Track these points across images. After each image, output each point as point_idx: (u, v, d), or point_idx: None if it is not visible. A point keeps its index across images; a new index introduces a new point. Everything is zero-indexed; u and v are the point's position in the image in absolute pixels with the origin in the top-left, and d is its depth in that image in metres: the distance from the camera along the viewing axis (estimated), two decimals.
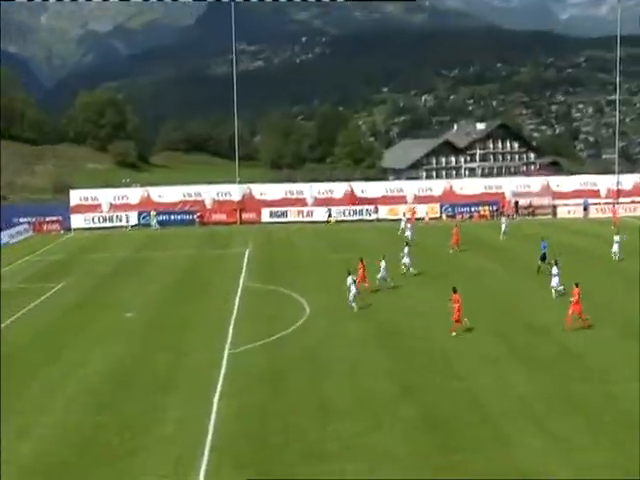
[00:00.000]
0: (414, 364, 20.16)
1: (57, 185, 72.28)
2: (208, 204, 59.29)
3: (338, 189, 59.79)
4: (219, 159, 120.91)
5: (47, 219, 57.86)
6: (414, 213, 55.79)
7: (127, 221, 56.99)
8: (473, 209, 58.45)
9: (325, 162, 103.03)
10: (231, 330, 23.67)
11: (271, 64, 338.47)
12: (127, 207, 58.25)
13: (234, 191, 59.70)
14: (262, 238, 49.61)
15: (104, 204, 58.41)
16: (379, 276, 29.42)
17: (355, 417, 16.70)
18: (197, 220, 58.31)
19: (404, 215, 51.76)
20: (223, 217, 59.01)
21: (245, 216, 58.77)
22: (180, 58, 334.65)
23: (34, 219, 57.61)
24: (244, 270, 36.54)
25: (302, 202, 59.24)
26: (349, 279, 26.52)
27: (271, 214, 58.80)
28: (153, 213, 57.44)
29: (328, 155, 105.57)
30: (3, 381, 19.73)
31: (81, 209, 57.98)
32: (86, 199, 58.43)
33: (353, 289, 26.33)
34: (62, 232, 56.74)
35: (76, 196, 58.57)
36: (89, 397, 18.43)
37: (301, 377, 19.63)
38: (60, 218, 57.89)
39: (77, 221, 57.59)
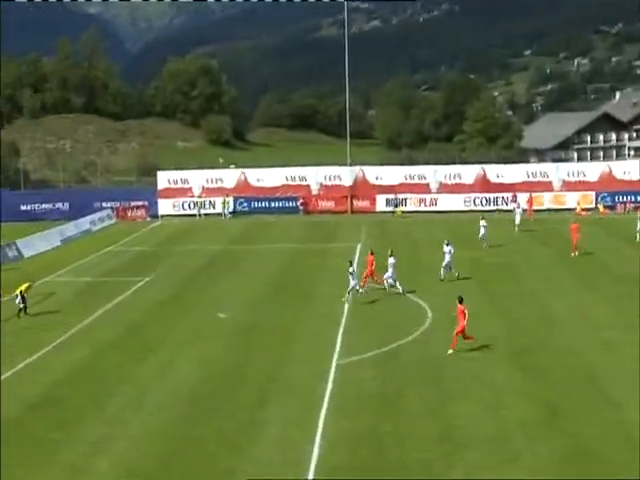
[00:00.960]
0: (555, 384, 19.73)
1: (143, 166, 75.98)
2: (314, 189, 60.13)
3: (468, 173, 58.72)
4: (327, 137, 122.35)
5: (131, 204, 60.97)
6: (532, 203, 53.35)
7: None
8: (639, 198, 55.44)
9: (452, 141, 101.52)
10: (340, 337, 23.86)
11: (389, 24, 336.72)
12: (221, 191, 60.22)
13: (344, 174, 60.11)
14: (376, 230, 49.66)
15: (195, 188, 60.71)
16: (386, 276, 30.06)
17: (486, 447, 16.34)
18: (301, 208, 59.30)
19: (516, 203, 50.64)
20: (331, 205, 59.64)
21: (357, 204, 59.10)
22: (284, 20, 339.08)
23: (117, 204, 60.89)
24: (355, 267, 36.77)
25: (424, 188, 58.70)
26: (350, 269, 28.78)
27: (387, 202, 58.72)
28: (228, 199, 59.06)
29: (456, 132, 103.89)
30: (84, 387, 21.01)
31: (169, 193, 60.63)
32: (175, 182, 61.01)
33: (352, 281, 28.35)
34: (148, 219, 59.50)
35: (164, 178, 61.31)
36: (176, 407, 19.19)
37: (421, 395, 19.54)
38: (146, 203, 60.82)
39: (165, 207, 60.27)
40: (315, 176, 60.15)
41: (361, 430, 17.54)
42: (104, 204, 61.00)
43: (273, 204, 59.73)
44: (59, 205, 61.40)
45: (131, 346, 25.03)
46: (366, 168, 60.45)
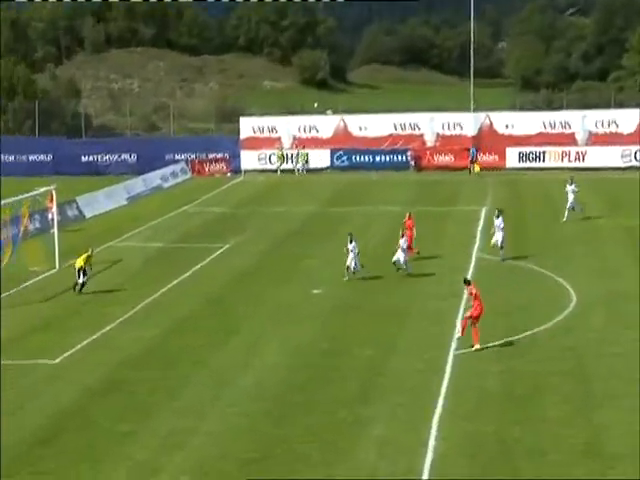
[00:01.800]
0: None
1: (222, 110, 77.27)
2: (429, 140, 59.64)
3: (627, 119, 56.85)
4: (446, 76, 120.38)
5: (209, 157, 62.30)
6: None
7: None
8: None
9: (607, 79, 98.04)
10: (459, 322, 23.64)
11: None
12: (316, 142, 60.55)
13: (467, 122, 59.29)
14: (506, 191, 48.87)
15: (285, 137, 61.29)
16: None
17: None
18: (412, 163, 58.96)
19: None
20: (450, 159, 59.02)
21: (482, 159, 58.19)
22: None
23: (193, 156, 62.33)
24: (478, 237, 36.45)
25: (569, 139, 57.16)
26: (350, 246, 29.35)
27: (521, 156, 57.60)
28: (303, 152, 59.32)
29: (612, 68, 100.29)
30: (154, 371, 21.71)
31: (254, 144, 61.44)
32: (261, 130, 61.77)
33: (351, 256, 29.27)
34: (229, 175, 60.64)
35: (248, 126, 62.14)
36: (261, 400, 19.50)
37: (560, 395, 19.24)
38: (226, 156, 61.96)
39: (248, 160, 61.16)
40: (430, 124, 59.57)
41: (484, 435, 17.37)
42: (177, 156, 62.60)
43: (378, 158, 59.67)
44: (125, 157, 63.42)
45: (209, 325, 25.60)
46: (494, 114, 59.40)
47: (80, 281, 29.17)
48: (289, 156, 60.27)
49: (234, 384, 20.65)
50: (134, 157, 62.97)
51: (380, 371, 21.20)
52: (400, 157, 59.41)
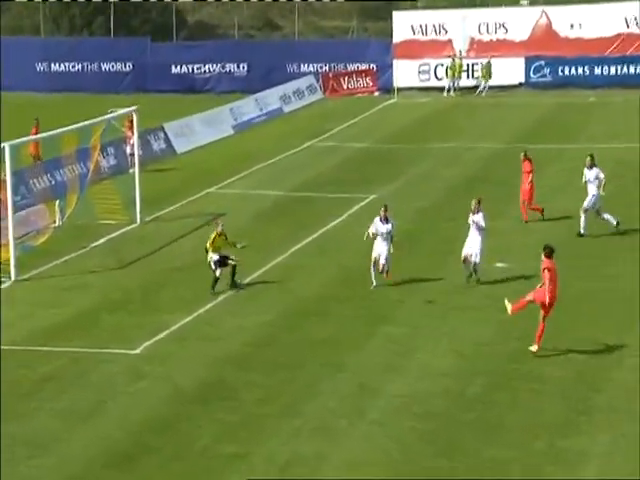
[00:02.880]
0: None
1: (367, 3, 76.61)
2: None
3: None
4: None
5: (348, 68, 62.27)
6: None
7: (450, 75, 58.43)
8: None
9: None
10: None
11: None
12: (504, 47, 59.50)
13: None
14: None
15: (458, 40, 60.68)
16: None
17: None
18: None
19: None
20: None
21: None
22: None
23: (325, 67, 62.48)
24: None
25: None
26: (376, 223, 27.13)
27: None
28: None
29: None
30: (268, 373, 22.06)
31: (413, 50, 61.20)
32: (423, 30, 61.50)
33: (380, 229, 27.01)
34: (376, 94, 60.98)
35: (404, 24, 61.87)
36: (418, 417, 19.37)
37: None
38: (372, 67, 61.97)
39: (404, 74, 60.88)
40: None
41: None
42: (303, 67, 62.96)
43: (598, 71, 58.28)
44: (231, 67, 64.31)
45: (343, 311, 25.72)
46: None
47: (217, 273, 27.25)
48: (464, 68, 59.60)
49: (379, 394, 20.64)
50: (243, 68, 63.78)
51: (597, 385, 20.86)
52: (634, 68, 57.73)
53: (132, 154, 37.90)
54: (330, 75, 61.93)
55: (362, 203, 35.67)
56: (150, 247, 31.15)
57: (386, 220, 27.14)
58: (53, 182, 37.57)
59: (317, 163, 43.21)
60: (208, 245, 27.24)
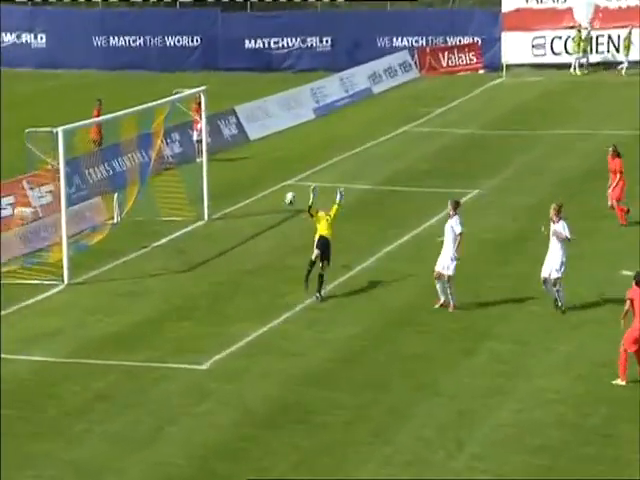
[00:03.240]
0: None
1: None
2: None
3: None
4: None
5: (449, 42, 61.97)
6: None
7: (575, 48, 58.02)
8: None
9: None
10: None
11: None
12: (636, 16, 58.53)
13: None
14: None
15: (581, 10, 59.97)
16: None
17: None
18: None
19: None
20: None
21: None
22: None
23: (422, 41, 62.25)
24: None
25: None
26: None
27: None
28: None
29: None
30: (354, 393, 21.93)
31: (525, 21, 60.55)
32: None
33: None
34: (481, 72, 60.84)
35: None
36: (532, 451, 19.20)
37: None
38: (477, 41, 61.64)
39: (515, 48, 60.63)
40: None
41: None
42: (396, 41, 62.78)
43: None
44: (313, 41, 64.28)
45: (441, 323, 25.67)
46: None
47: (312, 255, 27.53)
48: (589, 41, 59.12)
49: (482, 423, 20.47)
50: (327, 42, 63.77)
51: None
52: None
53: (199, 141, 37.97)
54: (427, 50, 61.71)
55: (464, 199, 35.36)
56: (219, 247, 31.26)
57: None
58: (111, 172, 37.89)
59: (411, 152, 43.15)
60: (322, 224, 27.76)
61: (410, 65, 60.87)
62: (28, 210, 32.53)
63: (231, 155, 42.80)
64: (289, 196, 28.45)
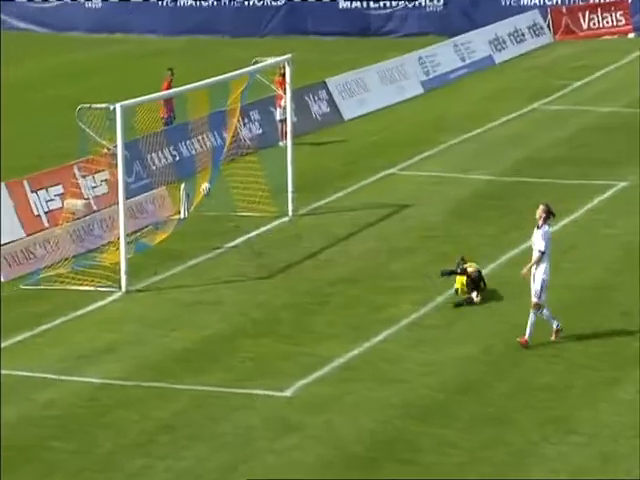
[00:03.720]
0: None
1: None
2: None
3: None
4: None
5: (590, 1, 61.54)
6: None
7: None
8: None
9: None
10: None
11: None
12: None
13: None
14: None
15: None
16: None
17: None
18: None
19: None
20: None
21: None
22: None
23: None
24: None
25: None
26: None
27: None
28: None
29: None
30: (467, 429, 21.84)
31: None
32: None
33: None
34: (631, 36, 61.10)
35: None
36: None
37: None
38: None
39: None
40: None
41: None
42: None
43: None
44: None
45: (582, 343, 25.60)
46: None
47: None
48: None
49: (631, 469, 20.11)
50: (438, 1, 63.51)
51: None
52: None
53: (283, 120, 38.13)
54: (563, 10, 61.40)
55: (608, 193, 35.33)
56: (306, 249, 31.33)
57: None
58: (177, 158, 38.13)
59: (542, 135, 43.10)
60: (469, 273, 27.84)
61: (541, 28, 60.57)
62: (79, 202, 32.73)
63: (321, 138, 42.94)
64: (204, 186, 28.35)
